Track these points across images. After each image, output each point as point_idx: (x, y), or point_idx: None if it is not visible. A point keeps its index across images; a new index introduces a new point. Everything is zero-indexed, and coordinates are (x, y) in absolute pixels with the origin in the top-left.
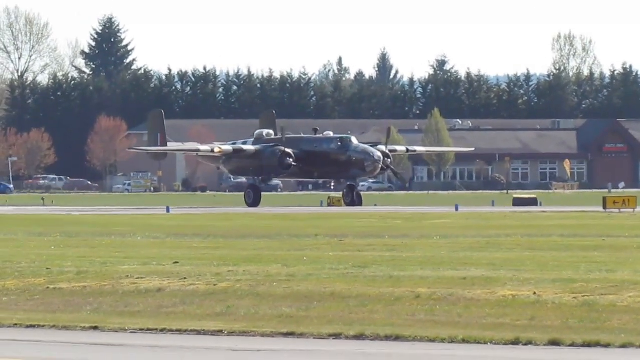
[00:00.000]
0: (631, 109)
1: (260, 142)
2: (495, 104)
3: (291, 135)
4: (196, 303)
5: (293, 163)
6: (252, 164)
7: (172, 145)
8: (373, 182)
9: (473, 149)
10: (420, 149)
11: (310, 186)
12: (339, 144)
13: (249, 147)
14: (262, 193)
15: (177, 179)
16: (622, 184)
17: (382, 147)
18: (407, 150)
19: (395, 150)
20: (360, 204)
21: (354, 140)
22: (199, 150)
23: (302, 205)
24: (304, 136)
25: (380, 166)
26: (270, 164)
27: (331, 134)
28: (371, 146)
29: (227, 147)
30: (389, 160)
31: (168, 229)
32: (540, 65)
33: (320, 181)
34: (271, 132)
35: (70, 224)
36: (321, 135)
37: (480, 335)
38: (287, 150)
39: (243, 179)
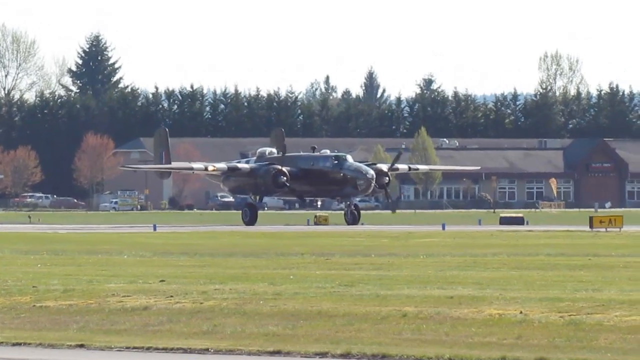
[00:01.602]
0: (618, 129)
1: (261, 160)
2: (482, 123)
3: (288, 154)
4: (183, 321)
5: (287, 183)
6: (247, 183)
7: (175, 164)
8: (360, 201)
9: (479, 167)
10: (423, 167)
11: (296, 204)
12: (335, 162)
13: (244, 166)
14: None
15: (164, 197)
16: (608, 204)
17: (382, 166)
18: (410, 169)
19: (397, 169)
20: (353, 222)
21: (349, 158)
22: (192, 169)
23: (288, 223)
24: (302, 154)
25: (373, 185)
26: (264, 183)
27: (328, 152)
28: (369, 165)
29: (222, 166)
30: (387, 179)
31: (155, 247)
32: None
33: (307, 199)
34: (273, 150)
35: (56, 242)
36: (318, 153)
37: (467, 354)
38: (282, 168)
39: (230, 198)
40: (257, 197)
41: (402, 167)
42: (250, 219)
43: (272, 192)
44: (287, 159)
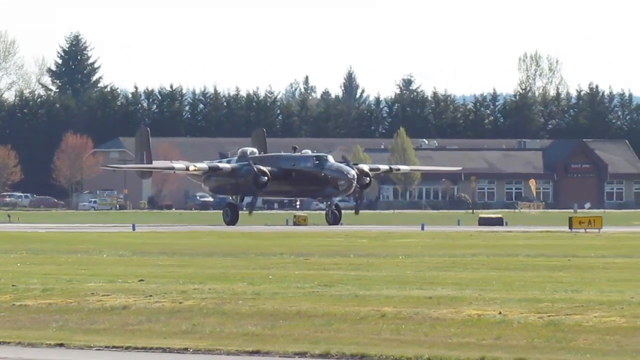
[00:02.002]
0: (597, 130)
1: (242, 160)
2: (462, 124)
3: (270, 154)
4: (162, 321)
5: (268, 181)
6: (228, 182)
7: (156, 164)
8: (339, 201)
9: (460, 168)
10: (404, 167)
11: (275, 205)
12: (316, 162)
13: (225, 166)
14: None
15: (143, 197)
16: (587, 204)
17: (363, 166)
18: (391, 170)
19: (378, 169)
20: (335, 222)
21: (330, 158)
22: (174, 169)
23: (267, 223)
24: (283, 154)
25: (354, 185)
26: (245, 182)
27: (309, 152)
28: (349, 165)
29: (203, 165)
30: (368, 179)
31: (134, 246)
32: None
33: (286, 200)
34: (255, 150)
35: (36, 241)
36: (300, 153)
37: (446, 354)
38: (263, 168)
39: (209, 198)
40: (238, 197)
41: (383, 167)
42: (232, 219)
43: (253, 192)
44: (269, 158)
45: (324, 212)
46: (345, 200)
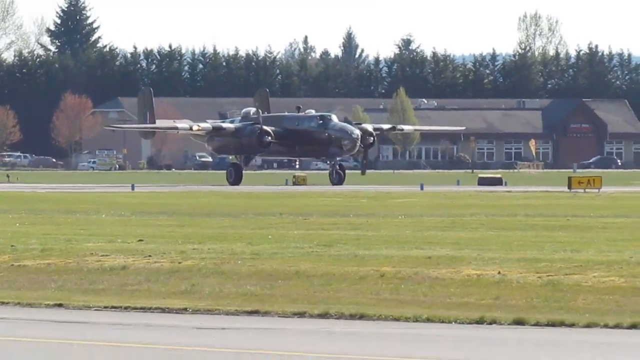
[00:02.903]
0: (596, 89)
1: (246, 120)
2: (461, 84)
3: (274, 114)
4: (161, 281)
5: (272, 141)
6: (232, 142)
7: (159, 123)
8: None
9: (463, 128)
10: (407, 127)
11: (275, 164)
12: (320, 122)
13: (229, 125)
14: (222, 172)
15: (143, 157)
16: (592, 159)
17: (367, 126)
18: (394, 129)
19: (381, 129)
20: (339, 182)
21: (334, 118)
22: (177, 128)
23: (267, 183)
24: (286, 114)
25: (358, 145)
26: (249, 142)
27: (313, 112)
28: (353, 125)
29: (207, 125)
30: (372, 139)
31: (133, 206)
32: (506, 45)
33: (285, 159)
34: (259, 110)
35: (35, 201)
36: (303, 113)
37: (445, 314)
38: (267, 128)
39: (208, 158)
40: (242, 157)
41: (386, 126)
42: (235, 179)
43: (257, 152)
44: (272, 118)
45: (323, 172)
46: (344, 160)
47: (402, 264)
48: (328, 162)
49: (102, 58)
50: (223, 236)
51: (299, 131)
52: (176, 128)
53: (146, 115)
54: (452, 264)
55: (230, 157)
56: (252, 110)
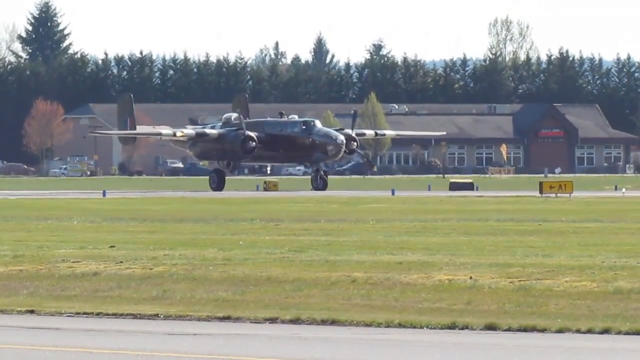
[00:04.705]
0: (567, 94)
1: (227, 126)
2: (432, 89)
3: (256, 119)
4: (132, 287)
5: (256, 146)
6: (215, 148)
7: (140, 129)
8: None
9: (444, 132)
10: (389, 132)
11: (245, 170)
12: (303, 127)
13: (212, 131)
14: (196, 177)
15: (114, 163)
16: (558, 169)
17: (349, 131)
18: (376, 134)
19: (364, 134)
20: (324, 187)
21: (318, 123)
22: (160, 134)
23: (238, 189)
24: (269, 119)
25: (343, 150)
26: (233, 148)
27: (296, 117)
28: (336, 130)
29: (190, 131)
30: (355, 144)
31: (104, 212)
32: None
33: (257, 165)
34: (240, 116)
35: (6, 207)
36: (286, 118)
37: (417, 319)
38: (250, 133)
39: (179, 164)
40: (225, 163)
41: (369, 132)
42: (218, 185)
43: (241, 158)
44: (255, 124)
45: (294, 177)
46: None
47: (373, 270)
48: (310, 167)
49: (73, 64)
50: (194, 242)
51: (283, 136)
52: (160, 134)
53: (126, 121)
54: (424, 269)
55: (202, 163)
56: (234, 115)
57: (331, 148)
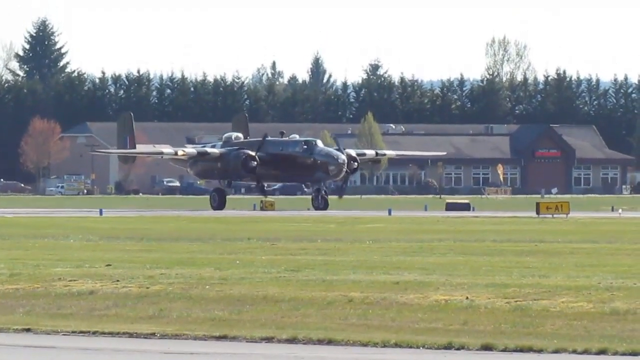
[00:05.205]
0: (564, 115)
1: (228, 145)
2: (429, 109)
3: (256, 138)
4: (129, 306)
5: (258, 166)
6: (217, 167)
7: (141, 148)
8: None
9: (445, 153)
10: (390, 152)
11: (242, 190)
12: (305, 147)
13: (214, 150)
14: (194, 196)
15: (110, 182)
16: (555, 190)
17: (351, 151)
18: (377, 154)
19: (365, 155)
20: (325, 207)
21: (319, 143)
22: (162, 153)
23: (235, 208)
24: (270, 139)
25: (345, 170)
26: (234, 167)
27: (297, 137)
28: (337, 150)
29: (192, 150)
30: (356, 164)
31: (101, 231)
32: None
33: (253, 185)
34: (240, 135)
35: (3, 226)
36: (287, 138)
37: (413, 339)
38: (252, 153)
39: (176, 182)
40: (226, 182)
41: (370, 152)
42: (219, 204)
43: (242, 177)
44: (254, 143)
45: (291, 197)
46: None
47: (370, 289)
48: (312, 187)
49: (71, 83)
50: (191, 261)
51: (284, 156)
52: (161, 153)
53: (126, 140)
54: (420, 289)
55: (199, 182)
56: (234, 135)
57: (332, 168)
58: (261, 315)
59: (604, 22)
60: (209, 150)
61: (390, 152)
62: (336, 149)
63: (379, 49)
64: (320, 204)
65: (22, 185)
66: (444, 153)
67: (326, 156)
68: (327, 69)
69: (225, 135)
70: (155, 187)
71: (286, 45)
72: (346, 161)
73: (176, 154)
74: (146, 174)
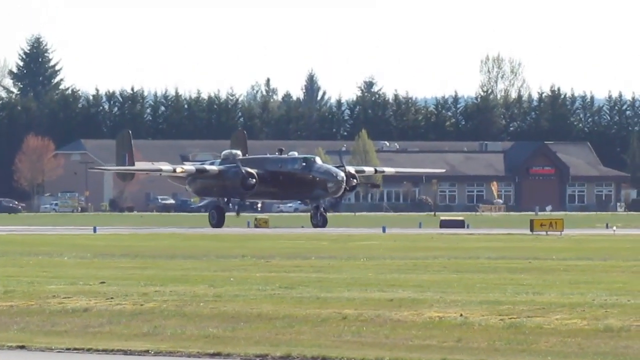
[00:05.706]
0: (559, 132)
1: (227, 163)
2: (423, 126)
3: (255, 156)
4: (123, 323)
5: (256, 183)
6: (215, 185)
7: (140, 165)
8: (300, 204)
9: (444, 170)
10: (389, 169)
11: (236, 207)
12: (303, 164)
13: (212, 168)
14: (186, 214)
15: (105, 199)
16: (549, 207)
17: (350, 168)
18: (376, 171)
19: (364, 172)
20: (324, 224)
21: (318, 160)
22: (161, 170)
23: (229, 226)
24: (269, 156)
25: (343, 187)
26: (233, 185)
27: (296, 154)
28: (337, 167)
29: (190, 167)
30: (355, 181)
31: (95, 248)
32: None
33: (247, 202)
34: (239, 152)
35: None
36: (286, 155)
37: (407, 356)
38: (250, 170)
39: (171, 200)
40: (225, 199)
41: (369, 169)
42: (218, 222)
43: (241, 194)
44: (254, 160)
45: (285, 214)
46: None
47: (364, 307)
48: (310, 204)
49: (65, 100)
50: (185, 278)
51: (283, 173)
52: (160, 170)
53: (125, 157)
54: (414, 307)
55: (193, 200)
56: (233, 152)
57: (331, 185)
58: (255, 333)
59: (598, 39)
60: (208, 167)
61: (390, 169)
62: (338, 166)
63: (374, 66)
64: (319, 222)
65: (16, 202)
66: (443, 170)
67: (325, 173)
68: (322, 86)
69: (224, 152)
70: (149, 205)
71: (280, 62)
72: (345, 178)
73: (175, 171)
74: (140, 191)
